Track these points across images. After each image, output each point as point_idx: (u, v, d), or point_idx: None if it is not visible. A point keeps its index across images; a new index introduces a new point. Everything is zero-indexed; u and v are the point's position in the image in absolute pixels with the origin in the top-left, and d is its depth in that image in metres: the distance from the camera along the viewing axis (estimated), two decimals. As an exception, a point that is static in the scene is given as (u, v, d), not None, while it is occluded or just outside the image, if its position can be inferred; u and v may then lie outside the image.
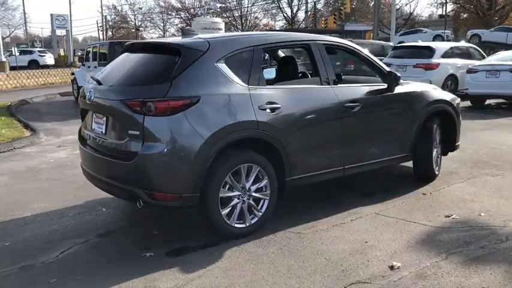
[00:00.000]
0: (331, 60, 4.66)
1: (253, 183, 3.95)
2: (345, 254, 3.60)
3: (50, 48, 45.61)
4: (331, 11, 56.24)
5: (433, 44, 13.82)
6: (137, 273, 3.33)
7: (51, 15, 43.69)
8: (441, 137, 5.59)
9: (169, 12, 69.19)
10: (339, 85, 4.54)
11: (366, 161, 4.77)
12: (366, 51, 5.00)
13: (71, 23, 52.25)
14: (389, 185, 5.35)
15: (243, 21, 64.00)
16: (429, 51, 13.11)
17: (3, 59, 28.18)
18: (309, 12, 55.28)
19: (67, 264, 3.53)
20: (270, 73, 4.62)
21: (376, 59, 5.02)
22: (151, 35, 70.47)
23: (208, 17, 29.74)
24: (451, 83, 13.13)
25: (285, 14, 61.27)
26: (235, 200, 3.86)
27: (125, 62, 4.18)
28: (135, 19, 73.31)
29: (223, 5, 55.72)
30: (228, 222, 3.83)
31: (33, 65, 33.49)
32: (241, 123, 3.77)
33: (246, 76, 3.93)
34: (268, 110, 3.92)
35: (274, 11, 63.23)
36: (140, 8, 72.64)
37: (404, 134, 5.08)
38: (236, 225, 3.89)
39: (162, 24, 71.28)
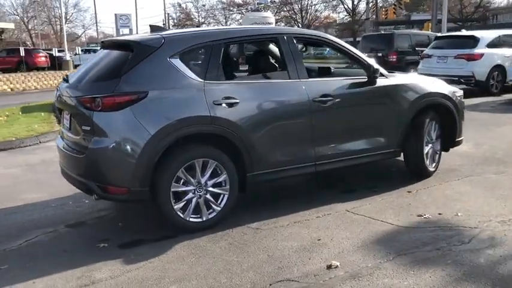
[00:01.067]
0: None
1: (211, 178, 3.97)
2: (291, 251, 3.54)
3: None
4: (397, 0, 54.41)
5: (477, 33, 13.00)
6: (83, 263, 3.46)
7: (115, 14, 45.67)
8: (440, 132, 5.31)
9: (231, 8, 70.13)
10: (309, 79, 4.44)
11: (342, 157, 4.63)
12: (344, 44, 4.83)
13: (136, 21, 54.41)
14: (378, 181, 5.15)
15: (303, 14, 63.58)
16: (473, 41, 12.37)
17: (68, 58, 29.97)
18: (371, 3, 53.81)
19: (25, 252, 3.73)
20: None
21: (356, 51, 4.84)
22: (214, 32, 71.62)
23: (263, 11, 29.90)
24: (497, 74, 12.32)
25: (345, 6, 60.01)
26: (190, 195, 3.90)
27: (95, 59, 4.33)
28: (198, 16, 75.14)
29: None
30: (182, 216, 3.88)
31: (97, 63, 35.13)
32: (193, 118, 3.80)
33: (202, 71, 3.95)
34: (224, 105, 3.92)
35: (334, 2, 62.15)
36: (203, 5, 74.28)
37: (389, 128, 4.87)
38: (192, 220, 3.93)
39: (224, 21, 72.36)
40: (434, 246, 3.50)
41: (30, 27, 54.86)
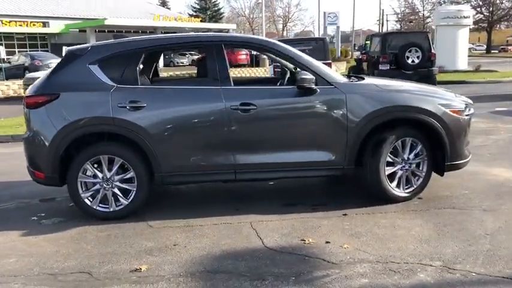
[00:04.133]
0: None
1: (118, 173, 4.36)
2: (136, 250, 3.73)
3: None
4: None
5: None
6: (2, 229, 4.30)
7: (324, 12, 47.42)
8: (427, 153, 4.54)
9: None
10: (232, 86, 4.39)
11: (270, 167, 4.44)
12: (283, 50, 4.54)
13: (353, 19, 55.26)
14: (335, 199, 4.76)
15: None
16: None
17: (264, 56, 32.47)
18: None
19: (-15, 214, 4.79)
20: None
21: (304, 58, 4.49)
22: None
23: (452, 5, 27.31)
24: None
25: None
26: (98, 186, 4.37)
27: None
28: (423, 9, 71.51)
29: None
30: (90, 204, 4.39)
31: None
32: (95, 118, 4.26)
33: (118, 76, 4.35)
34: (128, 108, 4.25)
35: None
36: (431, -2, 70.29)
37: (333, 143, 4.42)
38: (99, 209, 4.40)
39: (449, 14, 67.22)
40: (250, 272, 3.25)
41: (253, 27, 60.81)
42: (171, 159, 4.34)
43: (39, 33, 40.57)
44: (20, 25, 39.25)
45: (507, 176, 5.28)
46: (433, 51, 14.00)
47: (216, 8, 51.38)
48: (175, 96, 4.39)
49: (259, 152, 4.43)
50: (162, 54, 39.55)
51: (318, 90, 4.36)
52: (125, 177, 4.38)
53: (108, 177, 4.35)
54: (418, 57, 13.53)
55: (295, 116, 4.42)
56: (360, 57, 16.67)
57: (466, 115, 4.66)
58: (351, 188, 5.21)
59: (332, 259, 3.41)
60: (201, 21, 45.98)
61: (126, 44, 4.54)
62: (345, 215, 4.31)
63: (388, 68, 13.77)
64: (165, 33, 45.17)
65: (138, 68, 4.41)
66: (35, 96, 4.36)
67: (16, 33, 39.26)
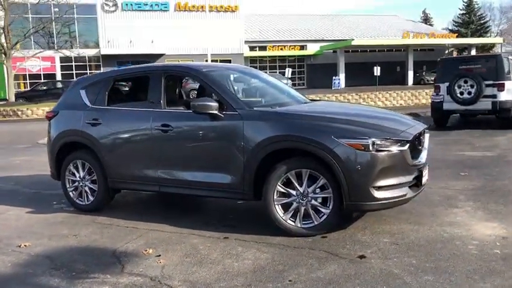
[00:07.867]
0: None
1: (89, 175, 5.53)
2: (49, 234, 4.80)
3: None
4: None
5: None
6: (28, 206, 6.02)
7: None
8: (332, 188, 4.21)
9: None
10: (161, 109, 4.99)
11: (182, 184, 4.87)
12: (205, 79, 4.93)
13: None
14: (256, 224, 4.76)
15: None
16: None
17: None
18: None
19: (24, 183, 6.62)
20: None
21: (217, 84, 4.78)
22: None
23: None
24: None
25: None
26: (76, 183, 5.63)
27: None
28: None
29: None
30: (72, 197, 5.68)
31: None
32: (71, 131, 5.56)
33: (93, 99, 5.53)
34: (91, 124, 5.38)
35: None
36: None
37: (233, 168, 4.52)
38: (78, 201, 5.65)
39: None
40: (63, 263, 3.93)
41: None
42: (115, 167, 5.25)
43: (298, 55, 45.27)
44: (281, 49, 44.65)
45: (483, 235, 4.17)
46: None
47: (482, 21, 46.99)
48: (119, 116, 5.29)
49: (176, 168, 4.91)
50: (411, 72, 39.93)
51: (222, 115, 4.57)
52: (92, 179, 5.50)
53: (81, 177, 5.56)
54: None
55: (200, 139, 4.72)
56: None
57: (382, 150, 4.04)
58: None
59: (127, 268, 3.77)
60: (458, 36, 42.99)
61: (101, 75, 5.73)
62: (226, 238, 4.40)
63: None
64: (420, 50, 44.23)
65: (107, 93, 5.47)
66: (49, 112, 5.95)
67: (278, 56, 44.90)
